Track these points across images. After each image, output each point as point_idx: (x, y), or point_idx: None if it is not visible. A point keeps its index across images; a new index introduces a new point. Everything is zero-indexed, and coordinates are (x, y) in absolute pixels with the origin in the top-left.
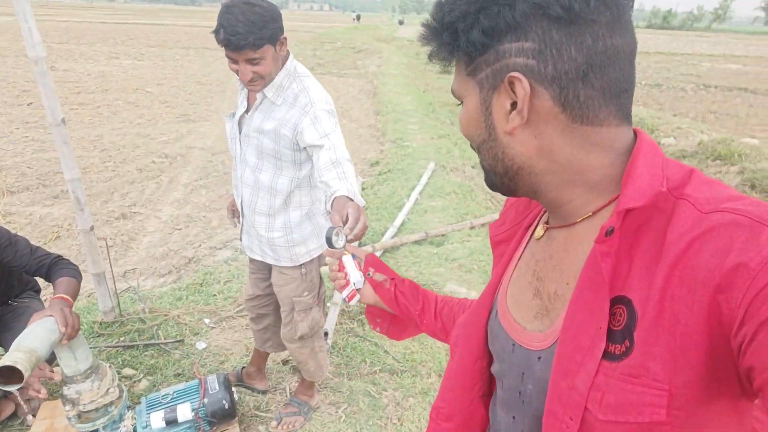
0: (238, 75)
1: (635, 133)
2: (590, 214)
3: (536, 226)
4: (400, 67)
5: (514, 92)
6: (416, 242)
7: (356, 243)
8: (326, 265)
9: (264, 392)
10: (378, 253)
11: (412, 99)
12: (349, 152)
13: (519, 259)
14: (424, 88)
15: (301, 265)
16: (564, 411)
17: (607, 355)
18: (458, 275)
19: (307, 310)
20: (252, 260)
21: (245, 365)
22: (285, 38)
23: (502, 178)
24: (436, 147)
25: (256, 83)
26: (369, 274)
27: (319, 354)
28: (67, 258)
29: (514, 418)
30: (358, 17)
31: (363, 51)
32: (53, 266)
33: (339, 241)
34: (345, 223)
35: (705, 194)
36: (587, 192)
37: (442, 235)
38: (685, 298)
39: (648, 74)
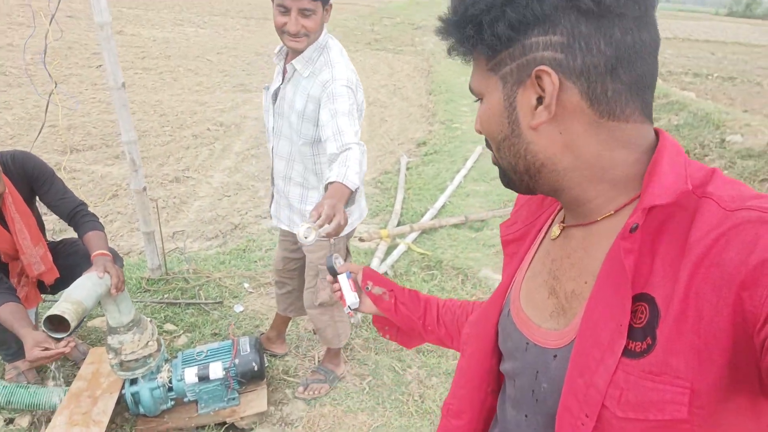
0: (284, 29)
1: (656, 132)
2: (612, 212)
3: (550, 226)
4: None
5: (541, 87)
6: (455, 225)
7: (395, 226)
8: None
9: (283, 356)
10: (416, 234)
11: (467, 80)
12: (389, 131)
13: (532, 259)
14: None
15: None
16: (580, 408)
17: (627, 352)
18: (494, 262)
19: None
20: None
21: (263, 331)
22: (331, 6)
23: (523, 175)
24: None
25: (300, 39)
26: (368, 288)
27: (338, 323)
28: (87, 204)
29: (526, 416)
30: None
31: (422, 27)
32: (78, 213)
33: (310, 239)
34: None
35: (728, 192)
36: (610, 190)
37: (482, 221)
38: (710, 296)
39: (723, 66)
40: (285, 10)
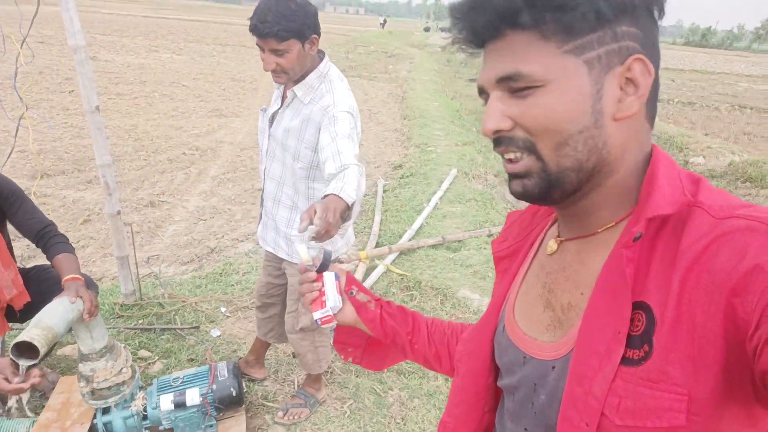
0: (264, 67)
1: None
2: (613, 223)
3: (542, 240)
4: (430, 73)
5: (631, 77)
6: (433, 246)
7: (372, 246)
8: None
9: (262, 380)
10: (394, 255)
11: (439, 105)
12: (366, 154)
13: (525, 274)
14: (452, 95)
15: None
16: (580, 417)
17: (624, 360)
18: (472, 281)
19: None
20: (266, 250)
21: (241, 356)
22: (316, 38)
23: (581, 175)
24: (460, 153)
25: (279, 75)
26: (352, 293)
27: (319, 348)
28: (55, 224)
29: (525, 429)
30: (384, 22)
31: (395, 56)
32: (47, 233)
33: (302, 249)
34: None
35: (717, 201)
36: (618, 201)
37: (459, 241)
38: (702, 302)
39: (682, 92)
40: (261, 49)
